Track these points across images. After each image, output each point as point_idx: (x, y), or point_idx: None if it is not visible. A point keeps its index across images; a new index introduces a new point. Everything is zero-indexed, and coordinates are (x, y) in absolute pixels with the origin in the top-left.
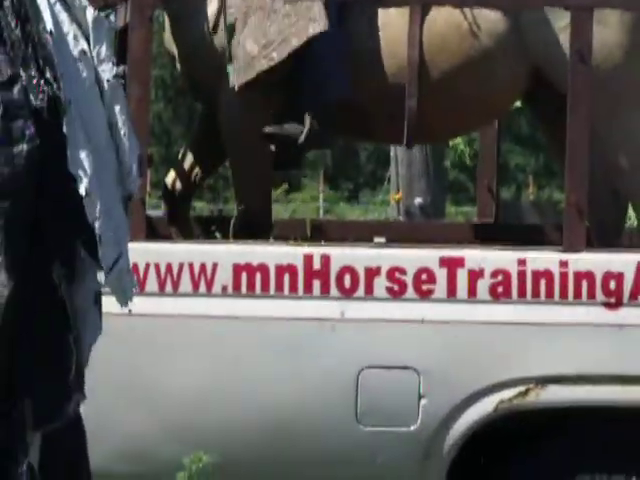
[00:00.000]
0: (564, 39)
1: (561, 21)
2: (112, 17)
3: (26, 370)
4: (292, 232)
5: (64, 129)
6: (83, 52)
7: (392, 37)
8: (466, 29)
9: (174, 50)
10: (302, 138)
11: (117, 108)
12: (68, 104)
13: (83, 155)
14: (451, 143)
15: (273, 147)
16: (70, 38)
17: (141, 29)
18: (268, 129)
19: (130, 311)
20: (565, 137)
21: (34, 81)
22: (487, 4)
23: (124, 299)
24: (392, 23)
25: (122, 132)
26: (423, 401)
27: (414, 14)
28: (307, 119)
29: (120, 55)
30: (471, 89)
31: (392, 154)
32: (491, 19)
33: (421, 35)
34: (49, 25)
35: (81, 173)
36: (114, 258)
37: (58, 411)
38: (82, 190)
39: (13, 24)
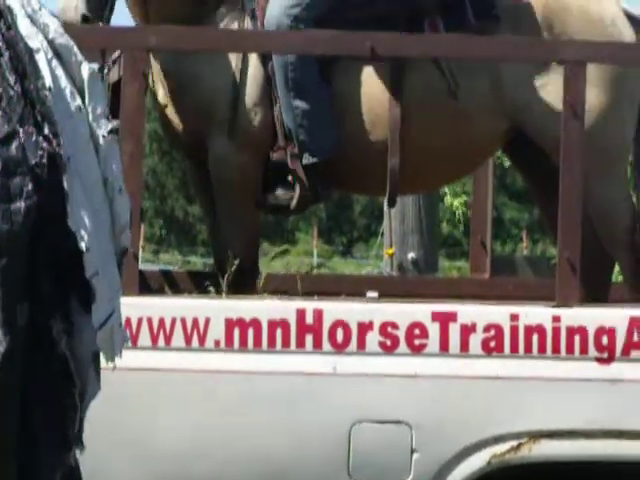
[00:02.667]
0: (544, 96)
1: (541, 78)
2: (104, 70)
3: (30, 423)
4: (285, 286)
5: (65, 186)
6: (79, 108)
7: (374, 95)
8: (444, 85)
9: (161, 97)
10: (293, 204)
11: (112, 163)
12: (67, 161)
13: (83, 212)
14: (446, 203)
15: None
16: (67, 94)
17: (134, 83)
18: (260, 198)
19: (114, 367)
20: (550, 191)
21: (32, 138)
22: (479, 58)
23: (112, 355)
24: (374, 81)
25: (116, 187)
26: (415, 455)
27: (396, 71)
28: (296, 186)
29: (113, 109)
30: (450, 145)
31: (385, 208)
32: (469, 75)
33: (402, 92)
34: (48, 81)
35: (82, 230)
36: (107, 314)
37: (59, 463)
38: (83, 246)
39: (12, 80)
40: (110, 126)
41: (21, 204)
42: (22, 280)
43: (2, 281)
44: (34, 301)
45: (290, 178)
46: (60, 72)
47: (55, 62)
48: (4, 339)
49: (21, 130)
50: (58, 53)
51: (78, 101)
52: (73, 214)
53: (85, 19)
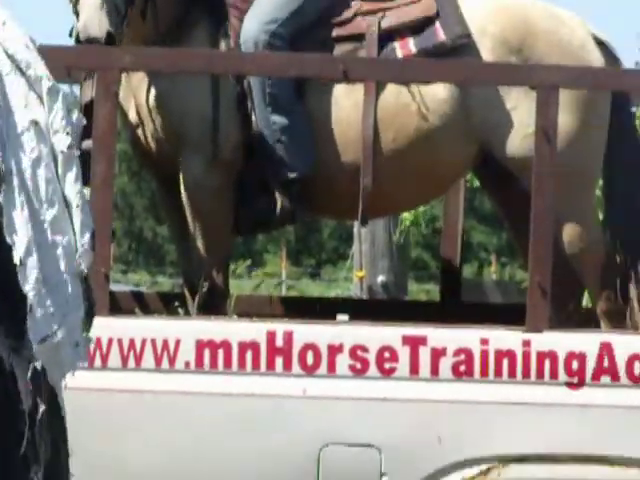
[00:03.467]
0: (513, 119)
1: (511, 101)
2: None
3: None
4: (255, 308)
5: (0, 198)
6: (35, 122)
7: (346, 115)
8: (414, 108)
9: (132, 117)
10: (275, 218)
11: (70, 180)
12: (9, 174)
13: (23, 225)
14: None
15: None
16: (20, 107)
17: (106, 104)
18: (241, 209)
19: (65, 386)
20: (520, 214)
21: None
22: (450, 82)
23: (59, 373)
24: (346, 101)
25: (75, 205)
26: (385, 479)
27: (368, 93)
28: (278, 197)
29: (86, 129)
30: (418, 167)
31: (355, 231)
32: (440, 99)
33: (373, 113)
34: None
35: (17, 241)
36: (51, 331)
37: None
38: (17, 259)
39: None
40: (68, 142)
41: None
42: None
43: None
44: None
45: (270, 193)
46: (16, 87)
47: (13, 76)
48: None
49: None
50: (20, 68)
51: (34, 115)
52: (10, 227)
53: (110, 36)
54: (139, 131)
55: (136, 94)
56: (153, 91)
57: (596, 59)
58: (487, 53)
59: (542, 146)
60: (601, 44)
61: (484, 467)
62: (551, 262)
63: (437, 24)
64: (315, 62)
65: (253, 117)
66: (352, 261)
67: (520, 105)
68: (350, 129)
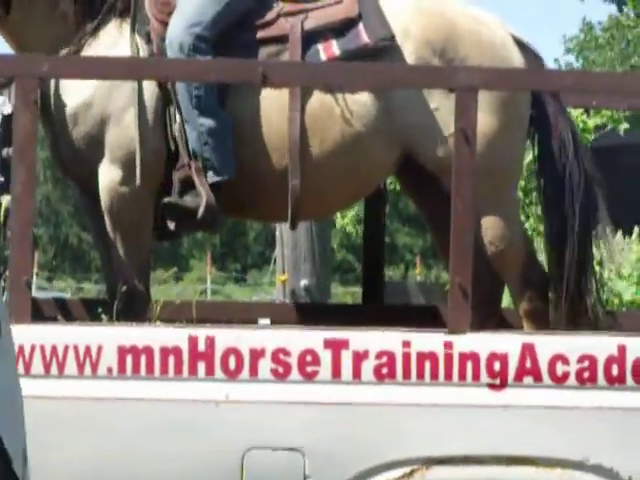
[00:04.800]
0: (435, 121)
1: (433, 103)
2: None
3: None
4: (179, 314)
5: None
6: None
7: (272, 119)
8: (338, 112)
9: (51, 125)
10: (201, 211)
11: None
12: None
13: None
14: (339, 224)
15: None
16: None
17: (26, 112)
18: (167, 199)
19: None
20: (441, 216)
21: None
22: (370, 85)
23: None
24: (271, 105)
25: None
26: None
27: (293, 98)
28: (203, 193)
29: (7, 137)
30: (344, 170)
31: (278, 235)
32: (362, 102)
33: (301, 118)
34: None
35: None
36: None
37: None
38: None
39: None
40: None
41: None
42: None
43: None
44: None
45: (194, 196)
46: None
47: None
48: None
49: None
50: None
51: None
52: None
53: None
54: (59, 138)
55: (56, 101)
56: (73, 98)
57: (517, 59)
58: (410, 55)
59: (461, 147)
60: (521, 44)
61: (408, 469)
62: (472, 263)
63: (360, 26)
64: (235, 67)
65: (178, 120)
66: (275, 265)
67: (442, 107)
68: (277, 132)
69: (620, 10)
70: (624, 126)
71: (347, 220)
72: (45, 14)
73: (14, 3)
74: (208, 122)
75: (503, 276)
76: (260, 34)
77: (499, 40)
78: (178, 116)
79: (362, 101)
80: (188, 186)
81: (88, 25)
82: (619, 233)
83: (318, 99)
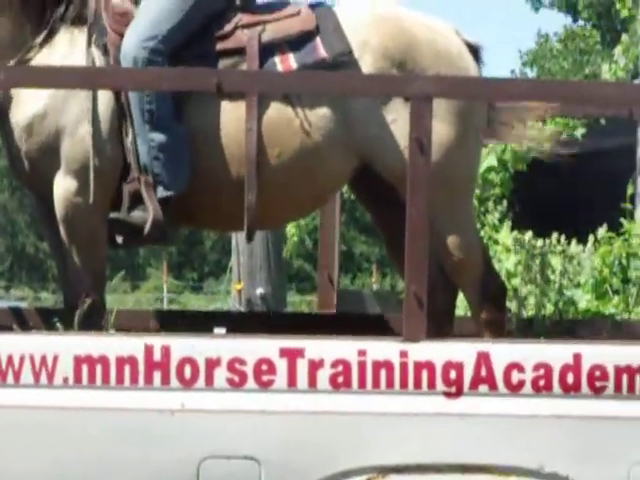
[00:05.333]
0: (393, 131)
1: (391, 114)
2: None
3: None
4: (135, 323)
5: None
6: None
7: (228, 130)
8: (297, 124)
9: (6, 134)
10: (148, 227)
11: None
12: None
13: None
14: (289, 234)
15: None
16: None
17: None
18: (114, 215)
19: None
20: (395, 225)
21: None
22: (325, 93)
23: None
24: (228, 116)
25: None
26: None
27: (250, 108)
28: (151, 209)
29: None
30: (301, 180)
31: (234, 244)
32: (321, 114)
33: (259, 129)
34: None
35: None
36: None
37: None
38: None
39: None
40: None
41: None
42: None
43: None
44: None
45: (143, 209)
46: None
47: None
48: None
49: None
50: None
51: None
52: None
53: None
54: (15, 148)
55: (12, 110)
56: (28, 107)
57: (473, 67)
58: (369, 68)
59: (416, 156)
60: (470, 47)
61: (364, 478)
62: (427, 272)
63: (317, 39)
64: (189, 76)
65: (130, 133)
66: (231, 274)
67: (400, 117)
68: (235, 143)
69: (575, 20)
70: (581, 131)
71: (297, 230)
72: None
73: None
74: (159, 137)
75: (460, 285)
76: (218, 46)
77: (455, 49)
78: (130, 129)
79: (321, 112)
80: (137, 200)
81: (40, 34)
82: (574, 241)
83: (276, 110)
